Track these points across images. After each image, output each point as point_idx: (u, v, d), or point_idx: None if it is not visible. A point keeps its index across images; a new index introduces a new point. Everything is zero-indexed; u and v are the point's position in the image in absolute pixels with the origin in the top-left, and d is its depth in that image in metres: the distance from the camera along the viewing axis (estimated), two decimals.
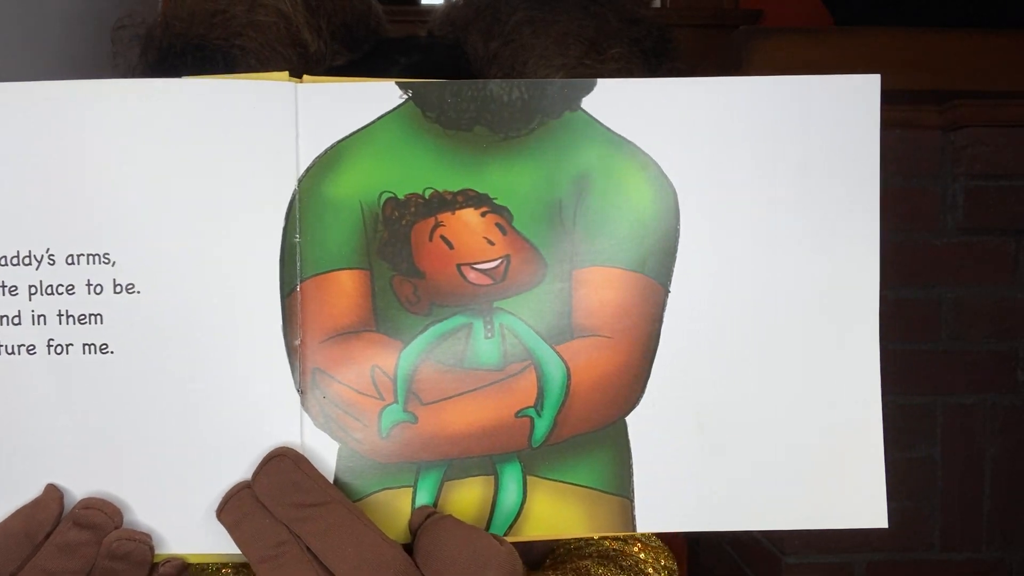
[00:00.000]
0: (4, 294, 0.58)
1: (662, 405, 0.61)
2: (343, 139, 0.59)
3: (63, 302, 0.58)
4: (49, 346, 0.58)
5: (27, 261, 0.58)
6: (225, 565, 0.82)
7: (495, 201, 0.60)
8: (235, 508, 0.57)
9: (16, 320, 0.58)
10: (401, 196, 0.60)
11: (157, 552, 0.59)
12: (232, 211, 0.59)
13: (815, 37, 2.36)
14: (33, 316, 0.58)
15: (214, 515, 0.58)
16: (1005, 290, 2.30)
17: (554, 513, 0.61)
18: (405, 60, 0.95)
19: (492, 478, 0.61)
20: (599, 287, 0.61)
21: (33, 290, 0.58)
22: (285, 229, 0.59)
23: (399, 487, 0.60)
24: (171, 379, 0.59)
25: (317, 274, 0.59)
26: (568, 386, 0.60)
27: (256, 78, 0.59)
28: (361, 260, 0.59)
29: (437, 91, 0.60)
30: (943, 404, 2.31)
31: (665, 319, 0.61)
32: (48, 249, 0.58)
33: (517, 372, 0.60)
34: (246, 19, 0.86)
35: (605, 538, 1.08)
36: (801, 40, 2.33)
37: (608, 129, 0.60)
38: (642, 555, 1.06)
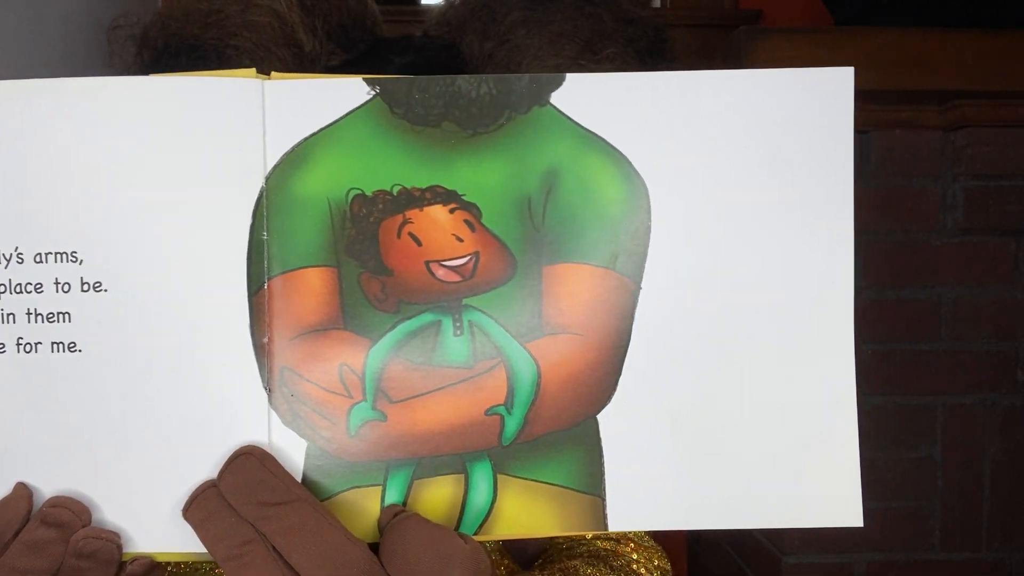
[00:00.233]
0: None
1: (634, 403, 0.61)
2: (310, 136, 0.59)
3: (31, 301, 0.58)
4: (18, 345, 0.58)
5: None
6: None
7: (463, 197, 0.59)
8: (201, 507, 0.57)
9: None
10: (369, 193, 0.59)
11: (126, 550, 0.59)
12: (199, 209, 0.58)
13: (815, 37, 2.35)
14: (3, 315, 0.58)
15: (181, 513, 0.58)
16: (1005, 290, 2.29)
17: (525, 512, 0.61)
18: (400, 60, 0.95)
19: (462, 477, 0.60)
20: (569, 284, 0.60)
21: (2, 289, 0.58)
22: (252, 227, 0.58)
23: (368, 486, 0.60)
24: (139, 377, 0.59)
25: (285, 272, 0.59)
26: (538, 384, 0.60)
27: (223, 75, 0.59)
28: (329, 258, 0.59)
29: (405, 87, 0.60)
30: (943, 404, 2.30)
31: (637, 316, 0.61)
32: (16, 248, 0.58)
33: (487, 370, 0.60)
34: (241, 19, 0.86)
35: (598, 538, 1.08)
36: (801, 40, 2.33)
37: (577, 124, 0.60)
38: (634, 555, 1.06)
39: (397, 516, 0.58)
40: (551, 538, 1.09)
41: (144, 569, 0.59)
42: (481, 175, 0.60)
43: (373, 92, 0.59)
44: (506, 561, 1.07)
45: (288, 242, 0.59)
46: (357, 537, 0.56)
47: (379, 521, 0.59)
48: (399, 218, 0.59)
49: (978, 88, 2.26)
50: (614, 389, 0.61)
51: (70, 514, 0.57)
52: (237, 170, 0.59)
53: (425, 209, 0.59)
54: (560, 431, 0.61)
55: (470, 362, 0.60)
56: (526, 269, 0.60)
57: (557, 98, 0.60)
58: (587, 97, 0.60)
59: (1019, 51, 2.29)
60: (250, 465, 0.57)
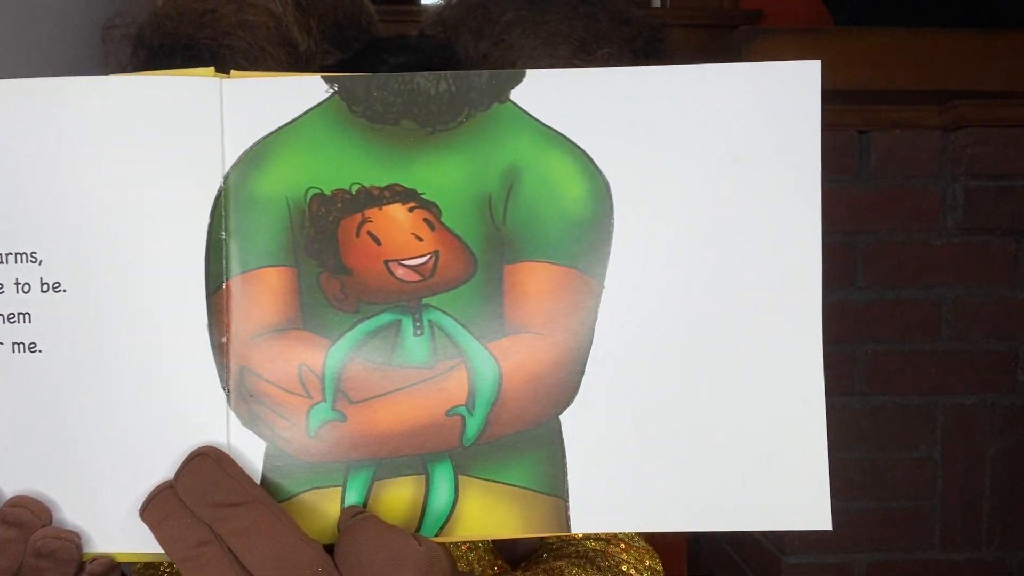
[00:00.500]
0: None
1: (597, 403, 0.60)
2: (269, 135, 0.59)
3: None
4: None
5: None
6: None
7: (423, 196, 0.59)
8: (157, 507, 0.56)
9: None
10: (327, 192, 0.59)
11: (86, 550, 0.59)
12: (158, 208, 0.58)
13: (815, 37, 2.36)
14: None
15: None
16: (1005, 290, 2.29)
17: (486, 513, 0.60)
18: (395, 60, 0.95)
19: (423, 477, 0.60)
20: (531, 283, 0.59)
21: None
22: (211, 226, 0.58)
23: (328, 487, 0.59)
24: (98, 378, 0.58)
25: (243, 272, 0.58)
26: (499, 384, 0.59)
27: (181, 75, 0.58)
28: (287, 257, 0.59)
29: (363, 85, 0.59)
30: (943, 404, 2.30)
31: (600, 315, 0.60)
32: None
33: (447, 370, 0.59)
34: (235, 19, 0.86)
35: (588, 538, 1.07)
36: (801, 40, 2.33)
37: (538, 121, 0.59)
38: (624, 555, 1.06)
39: (354, 517, 0.58)
40: (542, 538, 1.08)
41: (104, 569, 0.58)
42: (440, 173, 0.59)
43: (332, 90, 0.59)
44: (499, 561, 1.07)
45: (247, 242, 0.58)
46: (312, 538, 0.56)
47: (338, 522, 0.59)
48: (358, 217, 0.59)
49: (978, 88, 2.26)
50: (577, 389, 0.60)
51: (29, 514, 0.57)
52: (195, 169, 0.58)
53: (384, 208, 0.59)
54: (522, 432, 0.60)
55: (430, 362, 0.59)
56: (487, 268, 0.59)
57: (517, 95, 0.59)
58: (547, 94, 0.59)
59: (1019, 51, 2.29)
60: (206, 466, 0.56)
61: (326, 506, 0.59)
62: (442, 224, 0.59)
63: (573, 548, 1.05)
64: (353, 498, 0.59)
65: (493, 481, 0.60)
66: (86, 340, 0.58)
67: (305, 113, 0.59)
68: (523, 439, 0.60)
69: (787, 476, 0.61)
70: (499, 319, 0.60)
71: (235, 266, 0.58)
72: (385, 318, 0.59)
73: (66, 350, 0.58)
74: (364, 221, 0.59)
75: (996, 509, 2.30)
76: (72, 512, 0.59)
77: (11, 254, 0.58)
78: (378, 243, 0.59)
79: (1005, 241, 2.28)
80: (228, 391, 0.59)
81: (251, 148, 0.59)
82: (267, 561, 0.54)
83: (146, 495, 0.57)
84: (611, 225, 0.60)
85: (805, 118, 0.60)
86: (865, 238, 2.27)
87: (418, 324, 0.59)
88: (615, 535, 1.08)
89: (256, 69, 0.86)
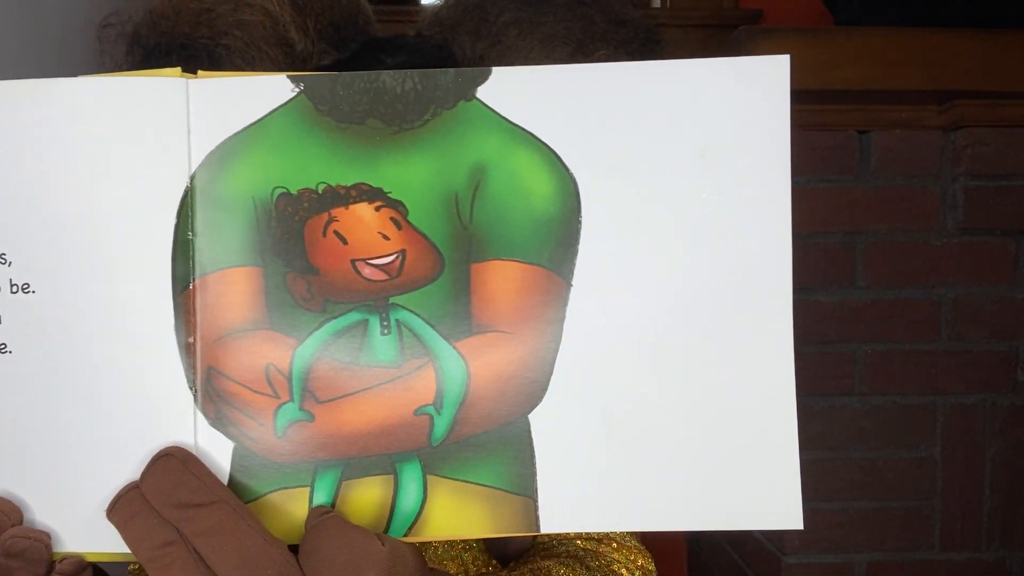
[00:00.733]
0: None
1: (566, 403, 0.60)
2: (235, 134, 0.58)
3: None
4: None
5: None
6: None
7: (389, 195, 0.59)
8: (124, 508, 0.56)
9: None
10: (294, 191, 0.59)
11: (56, 550, 0.59)
12: (125, 209, 0.58)
13: (815, 37, 2.35)
14: None
15: None
16: (1005, 290, 2.28)
17: (455, 513, 0.60)
18: (392, 60, 0.94)
19: (391, 477, 0.59)
20: (498, 281, 0.59)
21: None
22: (177, 226, 0.58)
23: (296, 487, 0.59)
24: (67, 378, 0.58)
25: (210, 272, 0.58)
26: (467, 383, 0.59)
27: (147, 75, 0.58)
28: (254, 257, 0.59)
29: (329, 84, 0.59)
30: (943, 404, 2.29)
31: (568, 314, 0.59)
32: None
33: (415, 369, 0.59)
34: (232, 18, 0.86)
35: (580, 537, 1.07)
36: (801, 40, 2.33)
37: (504, 119, 0.59)
38: (616, 555, 1.06)
39: (320, 517, 0.57)
40: (533, 537, 1.08)
41: (73, 568, 0.59)
42: (407, 172, 0.59)
43: (297, 89, 0.59)
44: (494, 561, 1.07)
45: (213, 242, 0.58)
46: (277, 538, 0.56)
47: (306, 522, 0.59)
48: (324, 216, 0.59)
49: (978, 88, 2.25)
50: (545, 388, 0.60)
51: (0, 514, 0.58)
52: (162, 170, 0.58)
53: (351, 207, 0.59)
54: (491, 431, 0.60)
55: (398, 361, 0.59)
56: (454, 267, 0.59)
57: (483, 92, 0.59)
58: (514, 91, 0.59)
59: (1019, 51, 2.28)
60: (171, 467, 0.56)
61: (294, 506, 0.59)
62: (409, 223, 0.59)
63: (564, 548, 1.05)
64: (321, 498, 0.59)
65: (462, 481, 0.60)
66: (55, 341, 0.58)
67: (271, 113, 0.59)
68: (492, 439, 0.60)
69: (758, 475, 0.60)
70: (466, 318, 0.59)
71: (202, 266, 0.58)
72: (352, 317, 0.59)
73: (35, 351, 0.58)
74: (331, 220, 0.59)
75: (996, 509, 2.30)
76: (42, 512, 0.59)
77: None
78: (345, 242, 0.59)
79: (1005, 241, 2.27)
80: (195, 391, 0.58)
81: (217, 148, 0.59)
82: (231, 562, 0.54)
83: (114, 495, 0.57)
84: (579, 223, 0.59)
85: (774, 113, 0.60)
86: (865, 238, 2.27)
87: (385, 323, 0.59)
88: (607, 534, 1.08)
89: (252, 68, 0.86)
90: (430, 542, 1.02)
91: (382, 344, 0.59)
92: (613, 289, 0.60)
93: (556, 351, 0.60)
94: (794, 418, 0.61)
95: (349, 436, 0.59)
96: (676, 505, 0.60)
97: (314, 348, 0.59)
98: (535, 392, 0.60)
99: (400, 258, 0.59)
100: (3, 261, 0.58)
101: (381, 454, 0.59)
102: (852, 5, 2.52)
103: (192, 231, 0.58)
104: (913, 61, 2.28)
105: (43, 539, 0.58)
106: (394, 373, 0.59)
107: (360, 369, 0.59)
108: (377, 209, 0.59)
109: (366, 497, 0.60)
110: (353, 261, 0.59)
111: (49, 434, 0.59)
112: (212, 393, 0.59)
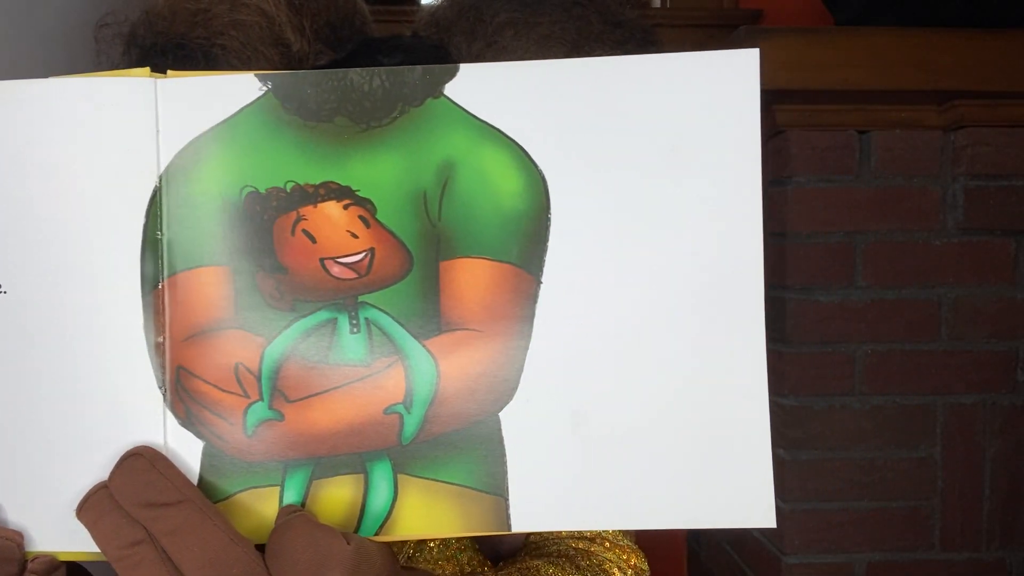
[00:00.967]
0: None
1: (536, 401, 0.59)
2: (203, 134, 0.58)
3: None
4: None
5: None
6: None
7: (357, 193, 0.59)
8: (93, 507, 0.56)
9: None
10: (262, 190, 0.59)
11: (29, 549, 0.59)
12: (94, 209, 0.58)
13: (815, 37, 2.35)
14: None
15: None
16: (1005, 290, 2.28)
17: (426, 512, 0.60)
18: (388, 60, 0.94)
19: (362, 476, 0.59)
20: (467, 279, 0.59)
21: None
22: (146, 226, 0.58)
23: (266, 486, 0.59)
24: (38, 378, 0.58)
25: (179, 271, 0.58)
26: (437, 382, 0.59)
27: (115, 75, 0.58)
28: (223, 256, 0.58)
29: (296, 83, 0.59)
30: (943, 404, 2.29)
31: (537, 311, 0.59)
32: None
33: (384, 368, 0.59)
34: (228, 18, 0.86)
35: (572, 537, 1.07)
36: (801, 40, 2.32)
37: (472, 115, 0.59)
38: (608, 554, 1.06)
39: (287, 516, 0.58)
40: (526, 537, 1.08)
41: (45, 567, 0.59)
42: (375, 170, 0.59)
43: (265, 88, 0.59)
44: (489, 561, 1.07)
45: (182, 241, 0.58)
46: (244, 537, 0.56)
47: (276, 522, 0.58)
48: (293, 215, 0.59)
49: (978, 88, 2.25)
50: (516, 386, 0.59)
51: None
52: (131, 169, 0.58)
53: (319, 206, 0.59)
54: (461, 430, 0.59)
55: (367, 360, 0.59)
56: (423, 265, 0.59)
57: (451, 89, 0.59)
58: (482, 88, 0.59)
59: (1019, 51, 2.28)
60: (139, 466, 0.56)
61: (264, 506, 0.59)
62: (377, 221, 0.59)
63: (555, 547, 1.05)
64: (291, 497, 0.59)
65: (432, 480, 0.60)
66: (26, 341, 0.59)
67: (239, 112, 0.59)
68: (462, 437, 0.60)
69: (730, 473, 0.60)
70: (436, 316, 0.59)
71: (171, 266, 0.58)
72: (321, 316, 0.59)
73: (6, 351, 0.59)
74: (299, 219, 0.59)
75: (996, 509, 2.29)
76: (14, 512, 0.59)
77: None
78: (313, 241, 0.59)
79: (1005, 241, 2.27)
80: (165, 391, 0.58)
81: (186, 147, 0.58)
82: (196, 561, 0.54)
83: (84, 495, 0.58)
84: (548, 219, 0.59)
85: (744, 108, 0.59)
86: (865, 238, 2.27)
87: (354, 322, 0.59)
88: (599, 533, 1.08)
89: (248, 68, 0.86)
90: (426, 544, 1.02)
91: (351, 343, 0.59)
92: (583, 286, 0.60)
93: (526, 349, 0.59)
94: (766, 415, 0.60)
95: (319, 435, 0.59)
96: (648, 503, 0.60)
97: (283, 347, 0.59)
98: (505, 390, 0.60)
99: (369, 256, 0.59)
100: None
101: (351, 453, 0.59)
102: (852, 5, 2.52)
103: (161, 230, 0.58)
104: (913, 61, 2.27)
105: (15, 538, 0.58)
106: (363, 372, 0.59)
107: (329, 368, 0.59)
108: (345, 207, 0.59)
109: (336, 496, 0.59)
110: (322, 260, 0.59)
111: (20, 434, 0.59)
112: (182, 392, 0.59)
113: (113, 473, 0.57)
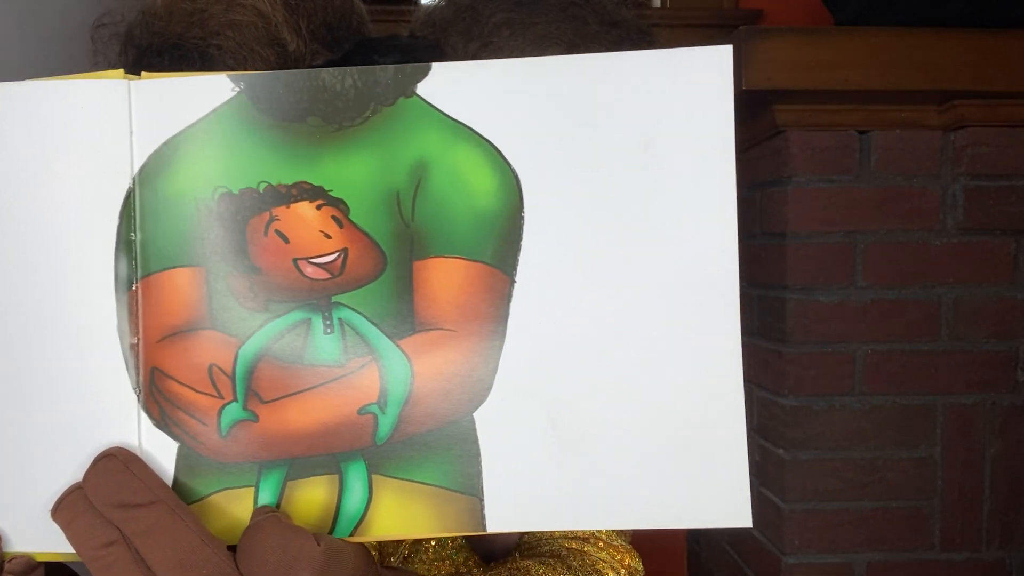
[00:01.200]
0: None
1: (511, 400, 0.59)
2: (176, 135, 0.58)
3: None
4: None
5: None
6: None
7: (330, 193, 0.59)
8: (67, 508, 0.57)
9: None
10: (235, 191, 0.58)
11: (5, 550, 0.59)
12: (69, 211, 0.58)
13: (815, 37, 2.35)
14: None
15: None
16: (1005, 290, 2.27)
17: (401, 513, 0.60)
18: (384, 60, 0.94)
19: (336, 477, 0.59)
20: (440, 279, 0.59)
21: None
22: (120, 227, 0.58)
23: (240, 487, 0.59)
24: (14, 380, 0.59)
25: (153, 272, 0.58)
26: (411, 382, 0.59)
27: (89, 77, 0.58)
28: (197, 257, 0.58)
29: (269, 83, 0.59)
30: (943, 404, 2.28)
31: (512, 310, 0.59)
32: None
33: (358, 368, 0.59)
34: (224, 18, 0.86)
35: (565, 537, 1.07)
36: (801, 40, 2.32)
37: (444, 114, 0.59)
38: (602, 554, 1.05)
39: (260, 517, 0.57)
40: (520, 537, 1.08)
41: (23, 568, 0.59)
42: (348, 170, 0.59)
43: (237, 88, 0.59)
44: (482, 561, 1.07)
45: (156, 242, 0.58)
46: (216, 538, 0.56)
47: (249, 523, 0.58)
48: (266, 216, 0.59)
49: (978, 88, 2.24)
50: (490, 386, 0.59)
51: None
52: (105, 171, 0.58)
53: (292, 206, 0.59)
54: (435, 430, 0.59)
55: (341, 360, 0.59)
56: (396, 265, 0.59)
57: (423, 89, 0.59)
58: (454, 86, 0.59)
59: (1019, 51, 2.27)
60: (112, 467, 0.57)
61: (239, 506, 0.59)
62: (350, 221, 0.59)
63: (548, 547, 1.05)
64: (266, 498, 0.59)
65: (407, 480, 0.60)
66: (1, 344, 0.59)
67: (211, 112, 0.59)
68: (437, 437, 0.59)
69: (706, 473, 0.60)
70: (410, 316, 0.59)
71: (145, 267, 0.58)
72: (295, 316, 0.59)
73: None
74: (272, 220, 0.59)
75: (996, 509, 2.29)
76: None
77: None
78: (286, 241, 0.59)
79: (1005, 241, 2.27)
80: (139, 392, 0.58)
81: (160, 148, 0.58)
82: (167, 561, 0.54)
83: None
84: (522, 219, 0.59)
85: (718, 105, 0.59)
86: (865, 238, 2.26)
87: (328, 322, 0.59)
88: (593, 533, 1.07)
89: (244, 68, 0.86)
90: (423, 544, 1.02)
91: (325, 343, 0.59)
92: (558, 285, 0.59)
93: (501, 349, 0.59)
94: (742, 415, 0.60)
95: (293, 436, 0.59)
96: (624, 503, 0.60)
97: (257, 348, 0.59)
98: (480, 390, 0.59)
99: (342, 257, 0.59)
100: None
101: (326, 454, 0.59)
102: (852, 5, 2.52)
103: (135, 231, 0.58)
104: (913, 61, 2.26)
105: None
106: (338, 372, 0.59)
107: (303, 368, 0.59)
108: (318, 207, 0.59)
109: (311, 497, 0.59)
110: (295, 260, 0.59)
111: None
112: (156, 393, 0.58)
113: (87, 474, 0.57)
